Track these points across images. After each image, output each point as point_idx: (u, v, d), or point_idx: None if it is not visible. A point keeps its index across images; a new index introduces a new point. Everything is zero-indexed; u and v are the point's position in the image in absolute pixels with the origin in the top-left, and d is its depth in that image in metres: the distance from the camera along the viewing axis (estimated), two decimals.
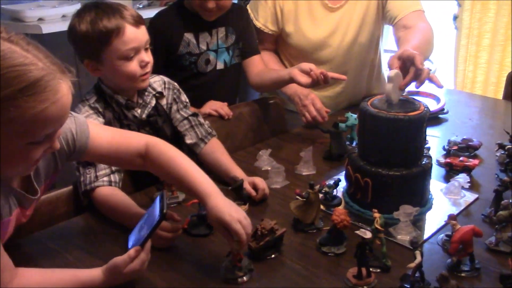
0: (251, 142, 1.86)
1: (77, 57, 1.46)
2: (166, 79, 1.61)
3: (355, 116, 1.72)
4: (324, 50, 2.00)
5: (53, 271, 1.07)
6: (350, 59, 2.03)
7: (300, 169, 1.61)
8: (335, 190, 1.43)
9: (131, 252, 1.05)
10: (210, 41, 1.86)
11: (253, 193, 1.41)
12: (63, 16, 2.84)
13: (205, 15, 1.80)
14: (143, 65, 1.43)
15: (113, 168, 1.41)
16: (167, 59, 1.84)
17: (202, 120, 1.63)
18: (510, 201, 1.23)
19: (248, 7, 2.03)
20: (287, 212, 1.33)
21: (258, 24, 1.99)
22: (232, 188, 1.38)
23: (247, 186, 1.41)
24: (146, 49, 1.45)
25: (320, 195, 1.36)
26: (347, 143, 1.73)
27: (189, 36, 1.83)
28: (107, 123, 1.45)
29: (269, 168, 1.57)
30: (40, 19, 2.76)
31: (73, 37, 1.42)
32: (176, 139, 1.59)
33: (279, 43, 2.08)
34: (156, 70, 1.58)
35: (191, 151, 1.58)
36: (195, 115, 1.63)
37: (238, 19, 1.91)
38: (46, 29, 2.69)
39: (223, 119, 1.84)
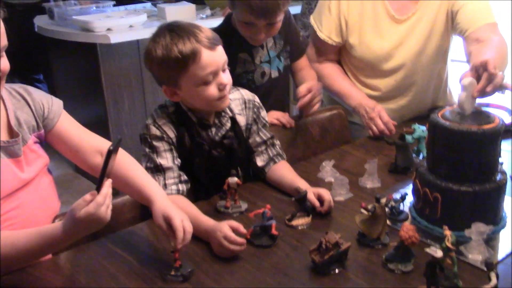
0: (313, 153, 1.84)
1: (155, 80, 1.46)
2: (246, 96, 1.57)
3: (422, 127, 1.67)
4: (389, 62, 1.95)
5: (19, 231, 1.13)
6: (416, 71, 1.97)
7: (364, 181, 1.57)
8: (401, 205, 1.38)
9: (86, 195, 1.06)
10: (262, 54, 1.85)
11: (318, 204, 1.38)
12: (130, 26, 2.94)
13: (253, 41, 1.78)
14: (221, 88, 1.40)
15: (182, 178, 1.43)
16: None
17: (276, 141, 1.61)
18: None
19: (311, 18, 2.01)
20: (352, 225, 1.30)
21: (322, 35, 1.96)
22: (295, 199, 1.35)
23: (312, 197, 1.39)
24: (224, 70, 1.41)
25: (386, 209, 1.32)
26: (414, 156, 1.68)
27: (243, 55, 1.82)
28: (180, 136, 1.45)
29: (332, 180, 1.55)
30: (109, 29, 2.86)
31: (150, 63, 1.40)
32: (247, 159, 1.59)
33: (342, 54, 2.05)
34: None
35: (259, 171, 1.58)
36: (271, 137, 1.60)
37: (284, 24, 1.85)
38: (114, 38, 2.80)
39: (285, 128, 1.83)
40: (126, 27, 2.91)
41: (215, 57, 1.37)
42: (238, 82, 1.78)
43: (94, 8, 3.29)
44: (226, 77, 1.41)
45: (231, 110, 1.53)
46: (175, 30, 1.37)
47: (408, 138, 1.67)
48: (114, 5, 3.46)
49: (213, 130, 1.50)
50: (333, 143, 1.93)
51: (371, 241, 1.26)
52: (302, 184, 1.46)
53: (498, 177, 1.29)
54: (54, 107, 1.30)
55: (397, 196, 1.39)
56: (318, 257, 1.15)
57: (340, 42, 1.97)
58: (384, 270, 1.17)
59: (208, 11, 3.29)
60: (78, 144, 1.32)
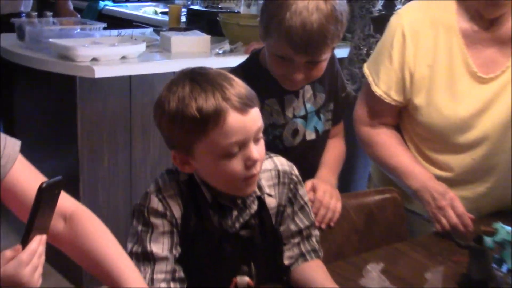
0: (355, 250, 1.83)
1: (164, 140, 1.46)
2: (281, 166, 1.57)
3: (508, 228, 1.64)
4: (466, 134, 1.93)
5: None
6: (502, 147, 1.94)
7: None
8: None
9: (6, 251, 1.06)
10: (297, 106, 1.88)
11: None
12: (123, 57, 2.98)
13: (287, 85, 1.80)
14: (250, 165, 1.37)
15: (177, 274, 1.42)
16: None
17: (314, 230, 1.62)
18: None
19: (365, 67, 2.02)
20: None
21: (378, 91, 1.96)
22: None
23: None
24: (256, 140, 1.38)
25: None
26: (494, 266, 1.62)
27: (271, 102, 1.84)
28: (185, 216, 1.44)
29: None
30: (94, 59, 2.89)
31: (159, 117, 1.40)
32: (272, 252, 1.58)
33: (403, 118, 2.04)
34: None
35: (282, 269, 1.58)
36: (310, 226, 1.60)
37: (328, 72, 1.90)
38: (100, 72, 2.83)
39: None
40: (117, 58, 2.95)
41: (246, 122, 1.35)
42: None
43: (79, 30, 3.33)
44: (257, 151, 1.38)
45: (259, 188, 1.51)
46: (198, 80, 1.36)
47: (488, 241, 1.62)
48: (105, 28, 3.49)
49: (233, 214, 1.48)
50: (382, 239, 1.91)
51: None
52: None
53: None
54: (7, 150, 1.29)
55: None
56: None
57: (401, 101, 1.97)
58: None
59: (227, 46, 3.32)
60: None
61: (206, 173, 1.42)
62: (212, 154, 1.36)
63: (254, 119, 1.37)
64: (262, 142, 1.41)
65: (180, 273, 1.43)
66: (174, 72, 3.08)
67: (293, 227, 1.57)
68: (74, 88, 2.94)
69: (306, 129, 1.91)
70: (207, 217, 1.46)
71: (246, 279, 1.39)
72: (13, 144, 1.31)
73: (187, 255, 1.46)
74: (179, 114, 1.33)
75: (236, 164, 1.36)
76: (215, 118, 1.32)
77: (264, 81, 1.78)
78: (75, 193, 2.90)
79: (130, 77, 3.04)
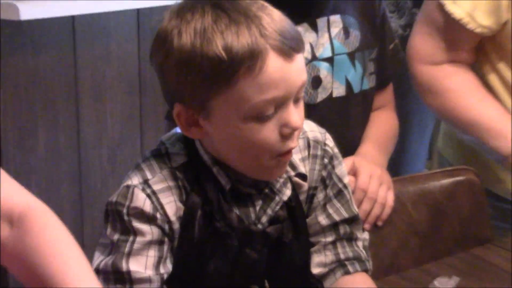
0: (415, 259, 1.82)
1: (162, 94, 1.46)
2: (311, 131, 1.57)
3: None
4: None
5: None
6: None
7: None
8: None
9: None
10: (317, 42, 1.91)
11: None
12: None
13: None
14: (287, 134, 1.34)
15: None
16: None
17: (359, 232, 1.60)
18: None
19: None
20: None
21: (458, 11, 1.93)
22: None
23: None
24: (296, 100, 1.37)
25: None
26: None
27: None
28: (185, 216, 1.43)
29: None
30: None
31: (163, 56, 1.37)
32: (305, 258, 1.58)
33: (489, 55, 2.05)
34: None
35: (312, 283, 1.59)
36: (352, 219, 1.58)
37: (365, 4, 1.98)
38: (27, 12, 2.78)
39: None
40: None
41: (291, 71, 1.32)
42: None
43: None
44: (298, 115, 1.36)
45: (292, 166, 1.50)
46: (225, 6, 1.33)
47: None
48: None
49: (257, 205, 1.47)
50: (455, 242, 1.91)
51: None
52: None
53: None
54: None
55: None
56: None
57: (491, 27, 1.94)
58: None
59: None
60: None
61: (223, 143, 1.40)
62: (238, 115, 1.32)
63: (300, 68, 1.35)
64: (302, 105, 1.39)
65: None
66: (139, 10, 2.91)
67: (323, 219, 1.57)
68: None
69: (333, 79, 1.92)
70: (223, 213, 1.44)
71: None
72: None
73: (190, 274, 1.48)
74: (197, 53, 1.29)
75: (270, 132, 1.34)
76: (249, 61, 1.28)
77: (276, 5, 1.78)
78: None
79: (72, 18, 3.03)
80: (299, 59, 1.36)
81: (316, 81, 1.90)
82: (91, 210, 3.24)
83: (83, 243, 3.09)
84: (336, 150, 1.59)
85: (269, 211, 1.48)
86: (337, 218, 1.55)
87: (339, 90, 1.93)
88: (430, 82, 2.01)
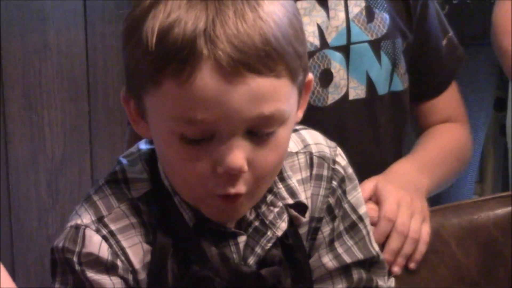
0: None
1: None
2: (315, 144, 1.58)
3: None
4: None
5: None
6: None
7: None
8: None
9: None
10: (328, 24, 1.92)
11: None
12: None
13: None
14: (221, 172, 1.32)
15: None
16: None
17: (383, 279, 1.62)
18: None
19: None
20: None
21: None
22: None
23: None
24: (258, 138, 1.33)
25: None
26: None
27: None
28: (153, 262, 1.45)
29: None
30: None
31: (128, 37, 1.37)
32: None
33: None
34: None
35: None
36: (372, 263, 1.60)
37: None
38: None
39: None
40: None
41: (234, 96, 1.30)
42: None
43: None
44: (250, 155, 1.34)
45: (292, 194, 1.51)
46: None
47: None
48: None
49: (240, 243, 1.46)
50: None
51: None
52: None
53: None
54: None
55: None
56: None
57: None
58: None
59: None
60: None
61: (160, 156, 1.44)
62: (164, 125, 1.35)
63: (257, 96, 1.30)
64: (276, 143, 1.36)
65: None
66: None
67: (329, 261, 1.58)
68: None
69: (348, 74, 1.92)
70: (195, 248, 1.45)
71: None
72: None
73: None
74: (133, 30, 1.34)
75: (200, 164, 1.34)
76: (177, 62, 1.28)
77: None
78: None
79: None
80: (262, 84, 1.30)
81: (325, 77, 1.91)
82: (24, 256, 3.25)
83: None
84: (350, 170, 1.58)
85: (259, 250, 1.48)
86: (348, 260, 1.55)
87: (357, 91, 1.94)
88: None
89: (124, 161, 1.48)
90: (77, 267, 1.39)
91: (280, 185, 1.51)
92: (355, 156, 1.73)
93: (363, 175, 1.78)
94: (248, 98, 1.29)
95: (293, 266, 1.53)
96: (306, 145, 1.55)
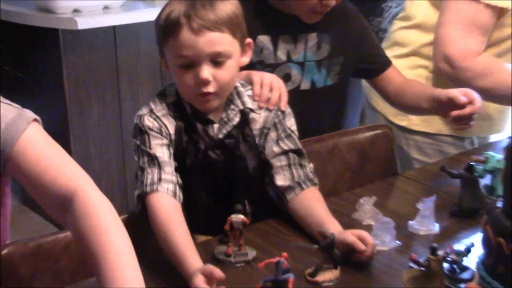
0: (348, 186, 1.88)
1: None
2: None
3: (498, 157, 1.70)
4: None
5: None
6: None
7: (416, 226, 1.60)
8: (466, 259, 1.40)
9: None
10: (294, 50, 1.92)
11: (362, 246, 1.41)
12: (105, 7, 3.02)
13: (307, 17, 1.87)
14: (199, 83, 1.51)
15: (179, 180, 1.53)
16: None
17: (306, 162, 1.67)
18: None
19: None
20: (396, 284, 1.33)
21: (502, 3, 1.95)
22: (320, 247, 1.38)
23: (351, 238, 1.42)
24: (216, 64, 1.51)
25: (445, 265, 1.35)
26: (485, 194, 1.71)
27: (264, 39, 1.90)
28: (177, 131, 1.58)
29: (373, 223, 1.56)
30: (76, 11, 2.92)
31: (156, 20, 1.58)
32: (260, 176, 1.66)
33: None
34: None
35: (280, 199, 1.64)
36: (299, 152, 1.65)
37: (339, 24, 1.95)
38: (83, 23, 2.84)
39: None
40: (99, 9, 2.97)
41: (197, 42, 1.49)
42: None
43: None
44: (211, 72, 1.51)
45: (243, 103, 1.63)
46: None
47: (479, 169, 1.70)
48: None
49: (215, 126, 1.61)
50: (375, 175, 1.96)
51: None
52: (332, 225, 1.50)
53: None
54: (13, 128, 1.22)
55: (460, 247, 1.41)
56: None
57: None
58: None
59: None
60: (38, 185, 1.22)
61: (175, 80, 1.58)
62: (171, 61, 1.55)
63: (210, 42, 1.50)
64: (227, 67, 1.53)
65: (180, 181, 1.54)
66: None
67: (276, 149, 1.64)
68: (57, 42, 2.96)
69: (302, 77, 1.95)
70: (193, 128, 1.58)
71: (241, 217, 1.43)
72: (20, 118, 1.23)
73: (181, 173, 1.56)
74: (158, 17, 1.54)
75: (189, 79, 1.53)
76: (172, 29, 1.50)
77: (261, 16, 1.89)
78: (66, 148, 2.99)
79: (114, 27, 3.04)
80: (213, 36, 1.49)
81: (286, 77, 1.92)
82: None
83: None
84: (289, 110, 1.68)
85: (224, 131, 1.60)
86: (286, 148, 1.63)
87: (305, 85, 1.95)
88: (484, 68, 1.98)
89: (168, 87, 1.63)
90: (143, 129, 1.54)
91: (238, 101, 1.62)
92: (304, 119, 1.81)
93: (308, 131, 1.87)
94: (207, 43, 1.49)
95: (245, 142, 1.62)
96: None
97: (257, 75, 1.72)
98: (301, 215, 1.60)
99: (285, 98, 1.70)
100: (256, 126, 1.64)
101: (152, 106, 1.58)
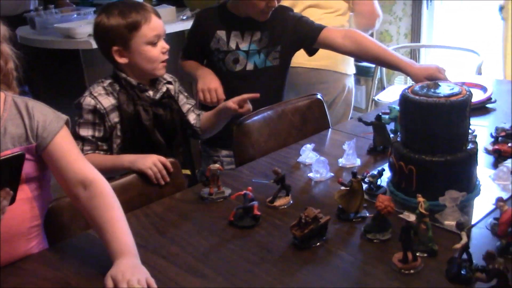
0: (294, 140, 1.85)
1: (101, 50, 1.63)
2: (170, 75, 1.75)
3: (397, 108, 1.71)
4: None
5: None
6: None
7: (344, 162, 1.61)
8: (379, 180, 1.42)
9: None
10: (242, 42, 1.92)
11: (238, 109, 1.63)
12: None
13: (261, 17, 1.89)
14: (164, 52, 1.61)
15: (100, 147, 1.60)
16: (202, 53, 1.98)
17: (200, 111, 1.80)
18: None
19: None
20: (332, 202, 1.34)
21: None
22: (274, 181, 1.39)
23: (231, 105, 1.64)
24: (164, 39, 1.63)
25: (365, 186, 1.37)
26: (392, 135, 1.71)
27: (221, 33, 1.93)
28: (122, 104, 1.59)
29: (313, 162, 1.57)
30: (90, 35, 2.85)
31: (101, 30, 1.57)
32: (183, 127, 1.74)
33: None
34: (189, 57, 1.95)
35: (193, 129, 1.76)
36: (196, 106, 1.79)
37: (277, 22, 1.94)
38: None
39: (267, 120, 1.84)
40: None
41: (160, 24, 1.60)
42: (210, 57, 1.96)
43: (75, 15, 3.30)
44: (166, 44, 1.62)
45: (164, 79, 1.71)
46: (126, 3, 1.60)
47: (385, 118, 1.71)
48: (95, 12, 3.40)
49: (151, 92, 1.65)
50: (313, 130, 1.93)
51: (350, 215, 1.30)
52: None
53: (469, 146, 1.34)
54: (51, 126, 1.23)
55: (374, 172, 1.43)
56: (299, 232, 1.19)
57: None
58: (363, 240, 1.22)
59: (188, 12, 3.31)
60: (64, 171, 1.23)
61: (137, 59, 1.58)
62: (143, 43, 1.57)
63: (163, 24, 1.62)
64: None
65: (104, 147, 1.60)
66: None
67: (187, 105, 1.76)
68: (78, 59, 2.92)
69: (247, 61, 1.94)
70: (137, 96, 1.62)
71: (217, 165, 1.43)
72: (57, 121, 1.25)
73: (136, 136, 1.61)
74: (121, 21, 1.55)
75: (157, 51, 1.60)
76: (145, 19, 1.57)
77: (221, 17, 1.94)
78: None
79: None
80: (161, 21, 1.61)
81: (235, 61, 1.93)
82: None
83: None
84: (181, 88, 1.76)
85: (158, 95, 1.66)
86: (190, 106, 1.75)
87: (249, 67, 1.94)
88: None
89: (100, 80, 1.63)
90: (80, 107, 1.58)
91: (160, 78, 1.68)
92: (251, 92, 1.73)
93: (256, 101, 1.75)
94: (163, 25, 1.61)
95: (172, 103, 1.68)
96: (168, 74, 1.71)
97: (199, 83, 1.84)
98: (208, 122, 1.75)
99: (220, 92, 1.83)
100: (173, 93, 1.72)
101: (91, 89, 1.60)
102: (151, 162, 1.49)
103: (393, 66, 1.92)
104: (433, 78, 1.75)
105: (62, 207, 1.34)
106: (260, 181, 1.49)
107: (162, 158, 1.51)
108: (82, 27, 2.91)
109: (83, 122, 1.59)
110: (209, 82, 1.85)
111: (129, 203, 1.43)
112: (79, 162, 1.25)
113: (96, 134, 1.60)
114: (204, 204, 1.41)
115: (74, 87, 3.04)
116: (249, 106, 1.69)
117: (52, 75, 3.37)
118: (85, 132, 1.59)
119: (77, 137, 1.56)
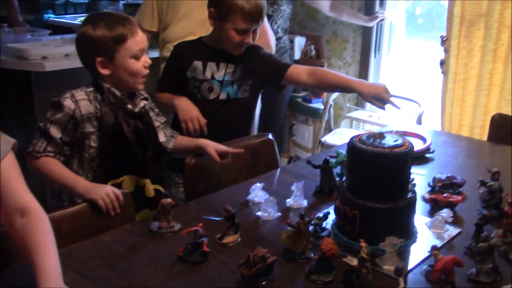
0: (245, 177, 1.88)
1: (83, 60, 1.63)
2: (144, 91, 1.76)
3: (344, 153, 1.78)
4: None
5: None
6: None
7: (291, 202, 1.64)
8: (324, 223, 1.47)
9: None
10: (217, 72, 1.99)
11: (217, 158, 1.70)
12: (66, 55, 2.90)
13: (236, 51, 1.97)
14: (146, 66, 1.62)
15: (63, 152, 1.56)
16: (179, 83, 2.03)
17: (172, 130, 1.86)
18: (490, 235, 1.30)
19: None
20: (279, 242, 1.36)
21: None
22: (224, 218, 1.41)
23: (213, 155, 1.71)
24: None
25: (310, 228, 1.41)
26: (337, 179, 1.78)
27: (197, 63, 2.00)
28: (104, 114, 1.58)
29: (262, 201, 1.60)
30: (44, 58, 2.82)
31: (87, 40, 1.57)
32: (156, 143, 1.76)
33: None
34: (165, 88, 2.00)
35: (162, 148, 1.79)
36: (165, 121, 1.83)
37: (248, 58, 2.02)
38: (50, 67, 2.76)
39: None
40: (62, 56, 2.86)
41: (144, 38, 1.62)
42: (186, 86, 2.01)
43: (29, 36, 3.21)
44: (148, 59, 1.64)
45: (141, 94, 1.72)
46: (113, 15, 1.62)
47: (332, 161, 1.78)
48: (50, 34, 3.38)
49: (129, 106, 1.65)
50: (263, 169, 1.97)
51: (296, 255, 1.34)
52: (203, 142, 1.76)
53: (409, 195, 1.42)
54: (2, 147, 1.19)
55: (320, 214, 1.48)
56: (246, 270, 1.21)
57: None
58: (307, 281, 1.25)
59: None
60: (4, 197, 1.18)
61: (120, 72, 1.59)
62: (128, 56, 1.58)
63: (146, 39, 1.65)
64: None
65: (66, 152, 1.57)
66: None
67: (157, 123, 1.78)
68: (30, 82, 2.85)
69: (221, 91, 2.01)
70: (119, 105, 1.61)
71: (169, 200, 1.45)
72: (5, 143, 1.21)
73: (113, 141, 1.60)
74: (107, 33, 1.55)
75: (140, 65, 1.61)
76: (131, 33, 1.58)
77: (198, 49, 2.02)
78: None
79: (73, 69, 2.87)
80: (144, 36, 1.62)
81: (210, 89, 1.99)
82: None
83: None
84: (152, 105, 1.77)
85: (136, 108, 1.65)
86: (159, 124, 1.78)
87: (223, 96, 2.00)
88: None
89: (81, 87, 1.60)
90: (58, 106, 1.54)
91: (138, 93, 1.68)
92: (223, 120, 2.00)
93: (224, 134, 1.92)
94: (146, 40, 1.64)
95: (148, 119, 1.69)
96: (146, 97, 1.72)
97: (180, 115, 1.92)
98: (181, 151, 1.81)
99: (201, 118, 1.93)
100: (147, 108, 1.73)
101: (74, 92, 1.58)
102: (104, 193, 1.48)
103: (347, 88, 2.05)
104: (380, 98, 1.94)
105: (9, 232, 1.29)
106: (211, 218, 1.51)
107: (116, 190, 1.51)
108: (36, 49, 2.85)
109: (56, 122, 1.54)
110: (189, 111, 1.94)
111: (78, 232, 1.42)
112: (20, 190, 1.21)
113: (64, 138, 1.56)
114: (153, 238, 1.42)
115: (23, 109, 2.99)
116: (229, 160, 1.76)
117: (0, 97, 3.21)
118: (55, 132, 1.54)
119: (43, 134, 1.53)
